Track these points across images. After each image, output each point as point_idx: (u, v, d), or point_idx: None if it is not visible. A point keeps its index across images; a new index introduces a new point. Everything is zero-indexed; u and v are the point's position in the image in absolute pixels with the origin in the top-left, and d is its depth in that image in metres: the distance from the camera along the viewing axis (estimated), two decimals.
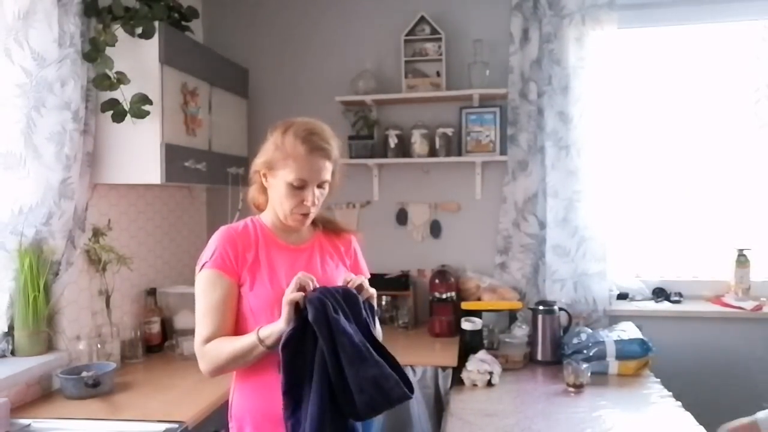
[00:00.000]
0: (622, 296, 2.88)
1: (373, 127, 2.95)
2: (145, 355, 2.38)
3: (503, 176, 2.89)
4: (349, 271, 1.60)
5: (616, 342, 2.37)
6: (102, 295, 2.26)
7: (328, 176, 1.49)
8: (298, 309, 1.34)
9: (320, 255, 1.58)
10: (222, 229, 1.54)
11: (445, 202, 3.02)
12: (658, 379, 2.30)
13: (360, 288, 1.44)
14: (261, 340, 1.37)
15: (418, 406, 2.34)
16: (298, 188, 1.46)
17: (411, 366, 2.34)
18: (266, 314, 1.44)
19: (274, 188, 1.50)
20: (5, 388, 1.77)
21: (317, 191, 1.48)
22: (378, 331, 1.50)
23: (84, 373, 1.95)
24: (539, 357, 2.52)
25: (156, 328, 2.47)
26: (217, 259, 1.47)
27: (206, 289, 1.46)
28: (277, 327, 1.36)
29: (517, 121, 2.82)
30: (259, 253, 1.51)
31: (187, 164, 2.34)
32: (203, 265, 1.48)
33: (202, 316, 1.46)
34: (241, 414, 1.50)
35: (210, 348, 1.43)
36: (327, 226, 1.65)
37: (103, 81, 2.04)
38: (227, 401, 1.59)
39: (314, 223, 1.61)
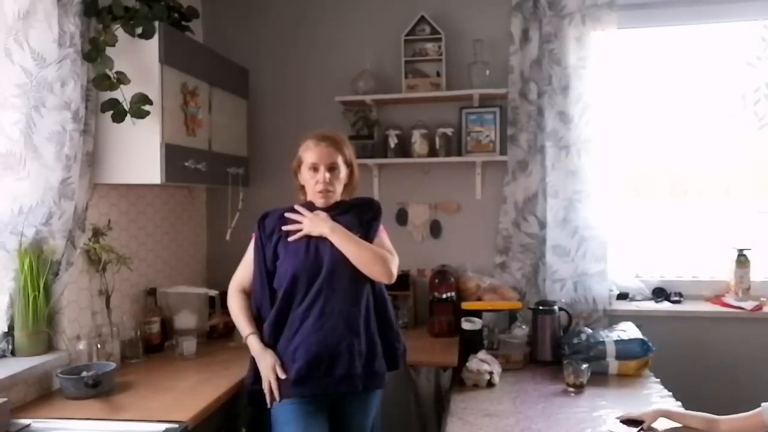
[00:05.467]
0: (622, 296, 2.88)
1: (373, 127, 2.95)
2: (145, 355, 2.38)
3: (503, 176, 2.89)
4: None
5: (616, 342, 2.37)
6: (102, 295, 2.26)
7: (335, 160, 1.90)
8: None
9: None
10: None
11: (445, 202, 3.02)
12: (658, 379, 2.30)
13: None
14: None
15: (418, 406, 2.35)
16: (314, 170, 1.90)
17: (411, 366, 2.34)
18: None
19: (303, 178, 1.96)
20: (5, 388, 1.77)
21: (328, 174, 1.89)
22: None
23: (84, 373, 1.94)
24: (539, 357, 2.52)
25: (156, 328, 2.47)
26: None
27: None
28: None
29: (517, 121, 2.83)
30: None
31: (187, 164, 2.34)
32: None
33: None
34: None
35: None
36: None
37: (103, 81, 2.03)
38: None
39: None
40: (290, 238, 1.89)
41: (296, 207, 1.95)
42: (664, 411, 1.83)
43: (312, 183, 1.91)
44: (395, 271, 1.89)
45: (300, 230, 1.89)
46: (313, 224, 1.87)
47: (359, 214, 1.94)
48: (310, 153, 1.90)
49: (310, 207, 1.94)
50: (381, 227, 1.99)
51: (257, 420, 2.16)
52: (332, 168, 1.90)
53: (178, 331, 2.48)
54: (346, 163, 1.95)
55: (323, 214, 1.91)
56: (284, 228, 1.91)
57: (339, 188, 1.94)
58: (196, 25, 2.79)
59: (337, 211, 1.93)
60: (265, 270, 1.92)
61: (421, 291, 2.93)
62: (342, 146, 1.93)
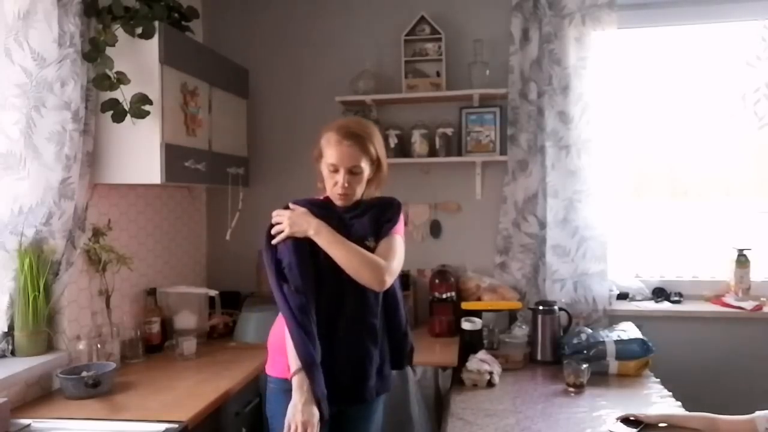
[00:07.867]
0: (622, 296, 2.88)
1: None
2: (145, 355, 2.38)
3: (503, 176, 2.89)
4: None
5: (616, 342, 2.37)
6: (102, 295, 2.26)
7: (359, 163, 1.70)
8: None
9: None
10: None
11: (445, 202, 3.02)
12: (658, 379, 2.30)
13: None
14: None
15: (418, 406, 2.34)
16: (333, 172, 1.71)
17: (411, 366, 2.34)
18: None
19: (323, 173, 1.76)
20: (5, 388, 1.77)
21: (349, 177, 1.70)
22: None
23: (84, 373, 1.94)
24: (539, 357, 2.53)
25: (156, 328, 2.47)
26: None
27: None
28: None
29: (517, 121, 2.83)
30: None
31: (187, 164, 2.34)
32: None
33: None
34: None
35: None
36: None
37: (103, 81, 2.03)
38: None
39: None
40: (274, 241, 1.71)
41: (290, 204, 1.78)
42: (665, 417, 1.83)
43: (330, 183, 1.73)
44: (389, 279, 1.68)
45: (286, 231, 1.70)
46: (295, 224, 1.69)
47: (377, 216, 1.78)
48: (331, 151, 1.70)
49: (329, 203, 1.79)
50: (396, 228, 1.79)
51: (257, 420, 2.16)
52: (353, 171, 1.71)
53: (178, 331, 2.48)
54: (371, 161, 1.74)
55: (301, 210, 1.73)
56: (273, 230, 1.73)
57: (360, 189, 1.76)
58: (196, 25, 2.79)
59: (354, 213, 1.78)
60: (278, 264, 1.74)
61: (421, 291, 2.93)
62: (367, 144, 1.71)
